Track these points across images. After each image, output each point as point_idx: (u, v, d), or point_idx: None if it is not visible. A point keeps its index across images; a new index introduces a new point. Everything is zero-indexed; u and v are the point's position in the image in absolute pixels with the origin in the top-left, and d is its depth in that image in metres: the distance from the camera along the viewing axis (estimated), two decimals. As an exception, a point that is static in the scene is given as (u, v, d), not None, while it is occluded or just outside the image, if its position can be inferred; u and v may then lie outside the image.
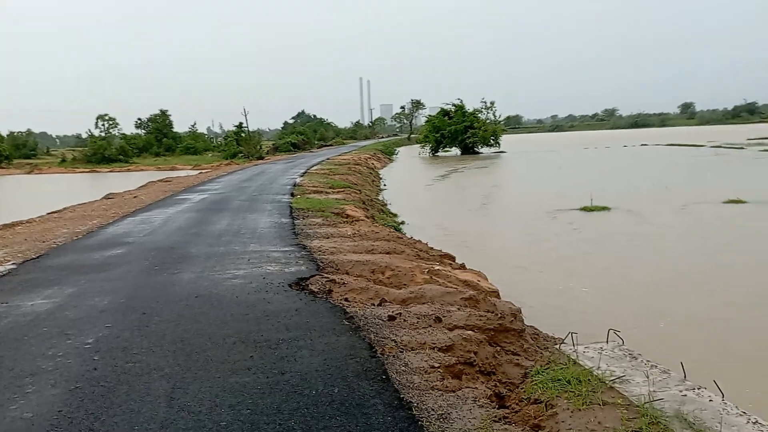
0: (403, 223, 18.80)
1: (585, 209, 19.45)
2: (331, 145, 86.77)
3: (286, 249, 9.52)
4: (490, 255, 13.46)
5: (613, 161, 42.38)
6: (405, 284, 7.98)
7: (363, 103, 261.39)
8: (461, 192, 28.49)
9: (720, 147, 49.23)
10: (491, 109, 63.39)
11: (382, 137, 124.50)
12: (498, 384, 5.04)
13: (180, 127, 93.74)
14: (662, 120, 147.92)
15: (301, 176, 26.84)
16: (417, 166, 49.71)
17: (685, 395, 3.79)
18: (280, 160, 48.51)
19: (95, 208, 16.96)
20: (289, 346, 4.94)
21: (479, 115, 62.62)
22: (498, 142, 62.83)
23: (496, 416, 3.85)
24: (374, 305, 6.70)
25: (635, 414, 3.57)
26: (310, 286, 7.29)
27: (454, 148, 63.99)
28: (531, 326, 7.25)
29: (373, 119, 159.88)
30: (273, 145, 74.51)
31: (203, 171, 41.22)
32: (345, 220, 13.83)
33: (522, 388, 4.49)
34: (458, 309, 6.30)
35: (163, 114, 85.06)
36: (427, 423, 3.65)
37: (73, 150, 79.68)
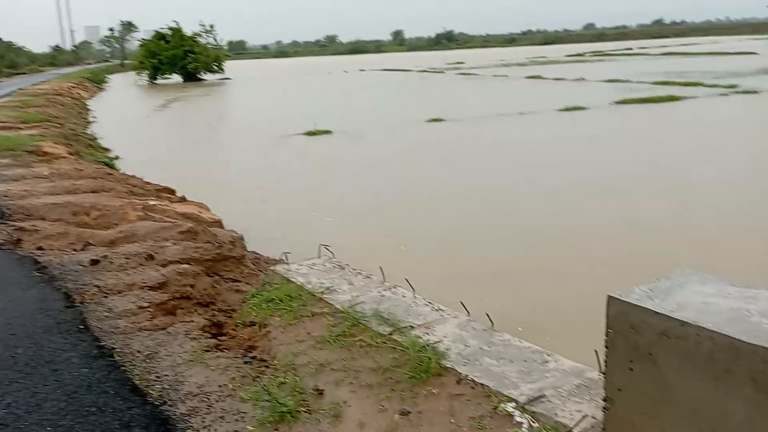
0: (117, 158, 17.13)
1: (309, 134, 19.99)
2: (24, 73, 74.13)
3: (-42, 198, 7.93)
4: (215, 185, 13.04)
5: (334, 86, 44.10)
6: (115, 224, 7.29)
7: (63, 24, 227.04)
8: (184, 121, 26.97)
9: (425, 71, 54.53)
10: (211, 33, 60.38)
11: (90, 64, 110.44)
12: (216, 313, 4.95)
13: None
14: (377, 46, 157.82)
15: (-15, 110, 22.49)
16: (133, 95, 45.50)
17: (383, 295, 4.15)
18: (-45, 91, 39.96)
19: None
20: (-44, 311, 4.14)
21: (199, 39, 59.15)
22: (222, 68, 60.51)
23: (208, 346, 3.76)
24: (76, 251, 5.99)
25: (340, 320, 3.79)
26: (-9, 237, 6.20)
27: (174, 75, 59.77)
28: (253, 252, 7.25)
29: (77, 43, 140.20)
30: (-57, 74, 60.92)
31: None
32: (41, 158, 12.05)
33: (239, 313, 4.47)
34: (174, 244, 5.97)
35: None
36: (131, 366, 3.40)
37: None
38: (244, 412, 3.01)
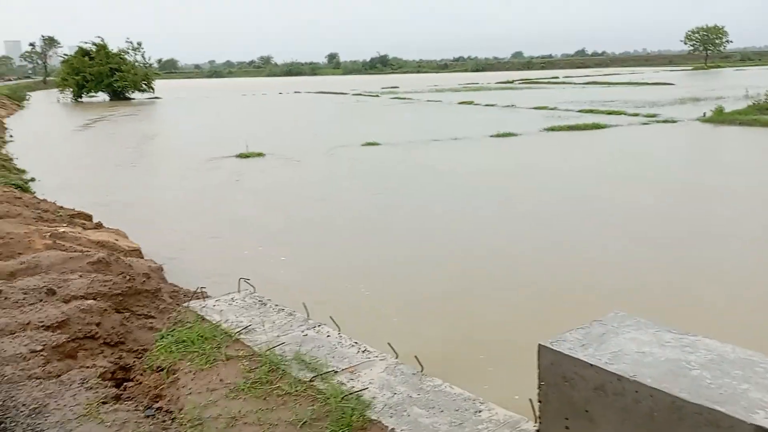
0: (32, 180, 16.11)
1: (241, 156, 19.48)
2: (-65, 88, 69.60)
3: None
4: (137, 210, 12.41)
5: (269, 108, 43.56)
6: (19, 253, 6.69)
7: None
8: (109, 142, 25.79)
9: (361, 95, 54.79)
10: (139, 50, 58.69)
11: (10, 80, 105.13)
12: (125, 354, 4.53)
13: None
14: (313, 69, 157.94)
15: None
16: (55, 113, 43.41)
17: (306, 335, 3.87)
18: None
19: None
20: None
21: (125, 56, 57.33)
22: (152, 87, 58.84)
23: (106, 396, 3.36)
24: (-32, 285, 5.39)
25: (257, 364, 3.48)
26: None
27: (101, 93, 57.65)
28: (173, 284, 6.79)
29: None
30: None
31: None
32: (-58, 180, 11.13)
33: (147, 357, 4.07)
34: (80, 276, 5.48)
35: None
36: (13, 424, 2.97)
37: None
38: (141, 478, 2.65)
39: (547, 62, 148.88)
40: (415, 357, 3.34)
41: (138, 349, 4.69)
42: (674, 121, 25.59)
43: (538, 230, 10.09)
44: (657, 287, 7.32)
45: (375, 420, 2.82)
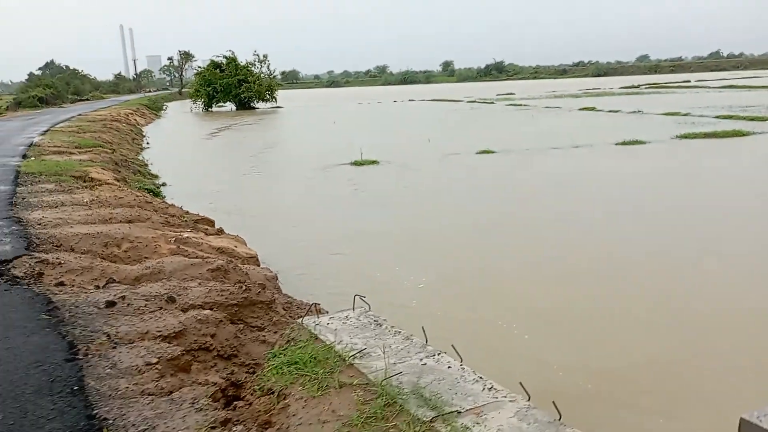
0: (164, 185, 17.13)
1: (356, 163, 19.62)
2: (87, 100, 77.35)
3: (-8, 224, 7.72)
4: (258, 217, 12.73)
5: (384, 116, 44.01)
6: (146, 257, 6.91)
7: (126, 53, 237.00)
8: (233, 149, 27.08)
9: (475, 102, 54.01)
10: (265, 62, 61.59)
11: (150, 91, 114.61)
12: (237, 369, 4.41)
13: None
14: (427, 77, 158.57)
15: (42, 134, 23.11)
16: (187, 123, 46.51)
17: (425, 363, 3.51)
18: (21, 116, 41.65)
19: None
20: (-52, 360, 3.71)
21: (252, 68, 60.42)
22: (274, 97, 61.53)
23: (215, 420, 3.18)
24: (98, 288, 5.58)
25: (372, 395, 3.17)
26: (12, 270, 5.86)
27: (228, 103, 61.18)
28: (287, 294, 6.71)
29: (139, 72, 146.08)
30: (14, 100, 63.90)
31: None
32: (86, 184, 11.97)
33: (259, 375, 3.90)
34: (199, 284, 5.49)
35: None
36: (122, 446, 2.86)
37: None
38: None
39: (677, 65, 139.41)
40: (553, 403, 2.87)
41: (250, 363, 4.57)
42: (832, 128, 22.74)
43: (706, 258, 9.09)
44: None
45: (508, 481, 2.41)
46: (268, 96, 60.57)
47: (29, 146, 18.67)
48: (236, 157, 23.29)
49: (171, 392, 3.50)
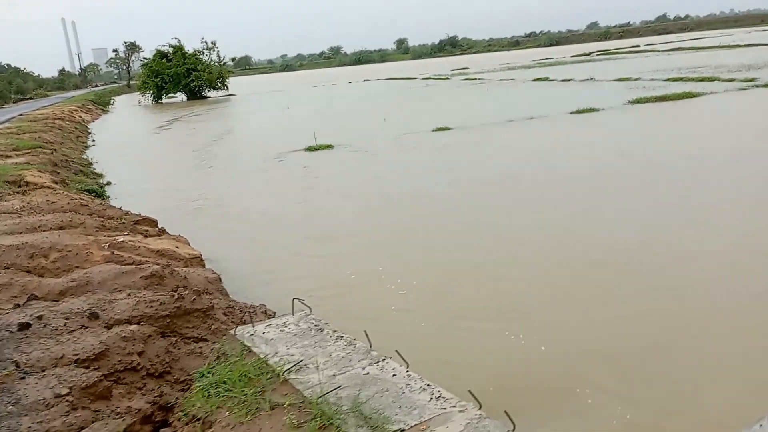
0: (108, 184, 16.36)
1: (310, 149, 19.11)
2: (31, 98, 74.32)
3: None
4: (207, 212, 12.18)
5: (338, 98, 43.31)
6: (76, 267, 6.39)
7: (70, 48, 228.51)
8: (183, 142, 26.17)
9: (430, 79, 53.63)
10: (214, 50, 59.93)
11: (96, 86, 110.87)
12: (170, 388, 4.00)
13: None
14: (382, 56, 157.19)
15: (-23, 139, 21.85)
16: (136, 116, 44.99)
17: (368, 373, 3.18)
18: (-43, 120, 39.62)
19: None
20: None
21: (201, 56, 58.75)
22: (226, 85, 60.06)
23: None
24: (17, 306, 5.08)
25: (307, 415, 2.82)
26: None
27: (179, 93, 59.45)
28: (232, 298, 6.29)
29: (84, 66, 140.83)
30: (-51, 102, 60.89)
31: None
32: (19, 190, 11.25)
33: (186, 398, 3.50)
34: (128, 295, 5.03)
35: None
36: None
37: None
38: None
39: (626, 31, 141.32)
40: (505, 412, 2.57)
41: (185, 380, 4.17)
42: (778, 84, 23.12)
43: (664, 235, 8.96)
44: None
45: None
46: (219, 84, 59.08)
47: (-39, 152, 17.60)
48: (186, 150, 22.47)
49: (81, 429, 3.09)
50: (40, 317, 4.53)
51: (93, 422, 3.17)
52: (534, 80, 38.82)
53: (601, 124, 18.66)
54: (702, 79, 27.33)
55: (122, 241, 7.29)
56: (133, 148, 25.14)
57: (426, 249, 8.35)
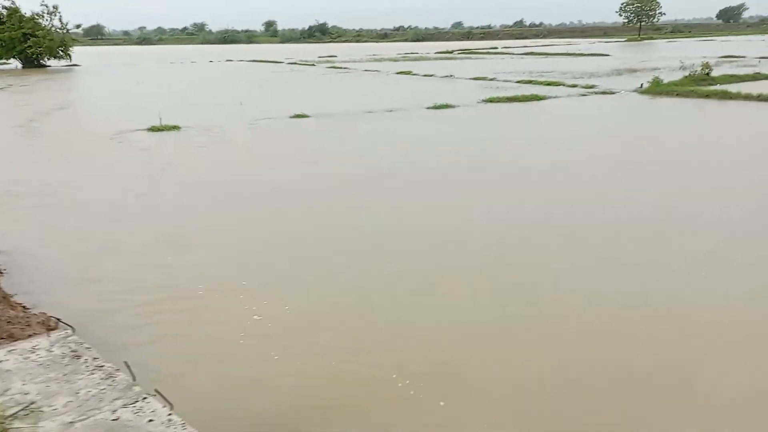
0: None
1: (153, 129, 17.61)
2: None
3: None
4: (18, 199, 10.58)
5: (195, 77, 40.96)
6: None
7: None
8: (6, 115, 23.13)
9: (296, 64, 52.49)
10: (56, 14, 54.08)
11: None
12: None
13: None
14: (249, 36, 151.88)
15: None
16: (-44, 82, 39.40)
17: (118, 418, 2.55)
18: None
19: None
20: None
21: (41, 21, 52.82)
22: (68, 54, 54.59)
23: None
24: None
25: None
26: None
27: (12, 59, 53.12)
28: (13, 302, 5.27)
29: None
30: None
31: None
32: None
33: None
34: None
35: None
36: None
37: None
38: None
39: (487, 33, 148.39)
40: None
41: None
42: (612, 93, 25.08)
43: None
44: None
45: None
46: (61, 53, 53.58)
47: None
48: (8, 125, 19.79)
49: None
50: None
51: None
52: (398, 73, 39.24)
53: (453, 120, 19.03)
54: (549, 83, 29.02)
55: None
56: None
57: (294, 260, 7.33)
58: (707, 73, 26.59)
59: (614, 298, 6.03)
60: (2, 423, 2.49)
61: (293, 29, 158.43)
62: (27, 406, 2.60)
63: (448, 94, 24.33)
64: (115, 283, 6.46)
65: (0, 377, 2.84)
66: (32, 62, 52.52)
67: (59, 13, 54.65)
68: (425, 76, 36.54)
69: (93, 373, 2.91)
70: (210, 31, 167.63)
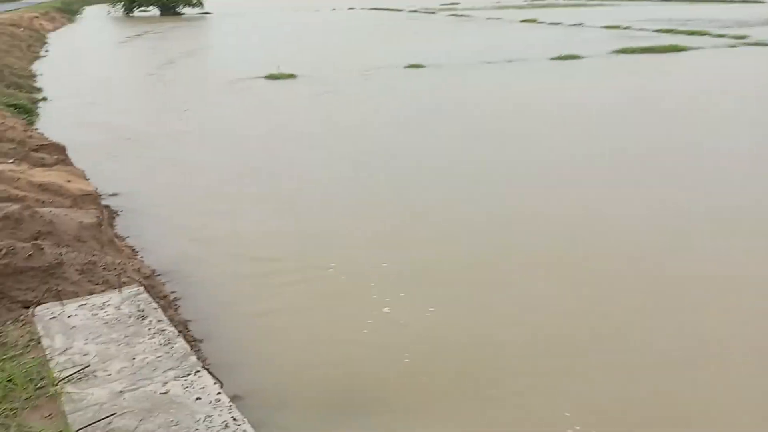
0: (43, 100, 15.05)
1: (270, 77, 17.85)
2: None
3: None
4: (137, 141, 11.04)
5: (317, 25, 41.22)
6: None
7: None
8: (140, 60, 24.51)
9: (416, 12, 51.32)
10: (193, -36, 56.36)
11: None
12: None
13: None
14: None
15: None
16: (102, 28, 42.41)
17: (167, 392, 2.38)
18: None
19: None
20: None
21: (177, -30, 55.35)
22: (202, 2, 56.91)
23: None
24: None
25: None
26: None
27: (152, 7, 56.25)
28: (120, 245, 5.42)
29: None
30: None
31: None
32: None
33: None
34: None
35: None
36: None
37: None
38: None
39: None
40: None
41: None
42: (766, 44, 22.09)
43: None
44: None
45: None
46: (195, 1, 55.95)
47: None
48: (140, 69, 20.92)
49: None
50: None
51: None
52: (521, 21, 37.13)
53: (580, 73, 17.62)
54: (692, 33, 26.17)
55: (2, 170, 6.30)
56: (85, 62, 23.44)
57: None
58: None
59: None
60: (56, 386, 2.40)
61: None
62: (82, 369, 2.50)
63: (576, 44, 22.59)
64: (227, 244, 6.38)
65: (67, 334, 2.78)
66: (169, 10, 55.34)
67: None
68: (551, 24, 34.28)
69: (153, 337, 2.79)
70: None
